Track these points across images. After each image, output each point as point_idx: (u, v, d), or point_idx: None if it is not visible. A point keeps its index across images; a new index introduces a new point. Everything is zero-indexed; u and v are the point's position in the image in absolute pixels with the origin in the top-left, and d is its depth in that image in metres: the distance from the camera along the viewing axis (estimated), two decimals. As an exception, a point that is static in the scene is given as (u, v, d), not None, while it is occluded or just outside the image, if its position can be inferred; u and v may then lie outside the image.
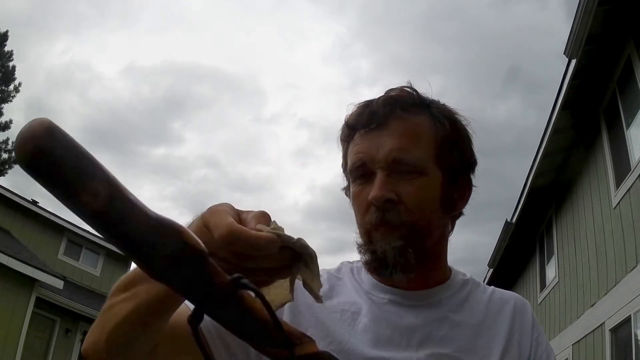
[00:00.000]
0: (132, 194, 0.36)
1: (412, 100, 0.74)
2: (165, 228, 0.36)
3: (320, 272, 0.77)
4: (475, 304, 0.78)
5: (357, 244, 0.76)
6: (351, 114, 0.76)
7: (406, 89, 0.77)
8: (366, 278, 0.79)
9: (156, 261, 0.36)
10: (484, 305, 0.79)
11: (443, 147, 0.74)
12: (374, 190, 0.70)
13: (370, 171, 0.72)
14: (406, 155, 0.71)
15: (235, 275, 0.38)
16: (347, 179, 0.79)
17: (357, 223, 0.76)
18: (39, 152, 0.32)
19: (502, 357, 0.72)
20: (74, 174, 0.33)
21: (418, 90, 0.77)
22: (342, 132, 0.78)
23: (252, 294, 0.39)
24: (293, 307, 0.70)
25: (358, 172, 0.73)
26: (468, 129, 0.78)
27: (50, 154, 0.32)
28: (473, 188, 0.79)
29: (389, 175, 0.70)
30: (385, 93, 0.77)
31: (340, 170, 0.81)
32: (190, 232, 0.37)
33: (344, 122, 0.77)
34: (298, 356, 0.43)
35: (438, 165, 0.73)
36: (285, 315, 0.70)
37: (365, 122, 0.73)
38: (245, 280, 0.38)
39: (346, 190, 0.80)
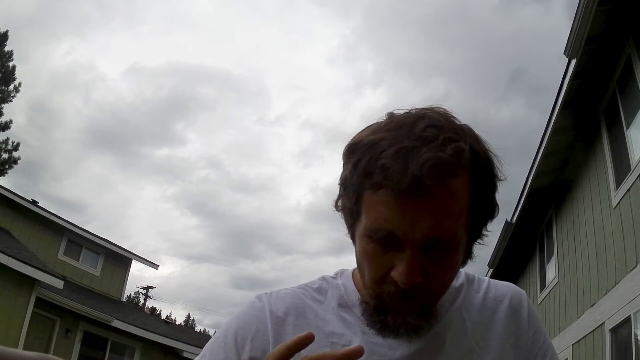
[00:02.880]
0: None
1: (461, 162, 0.61)
2: None
3: (299, 290, 0.77)
4: (468, 313, 0.74)
5: (363, 302, 0.70)
6: (380, 164, 0.60)
7: (454, 141, 0.61)
8: (353, 299, 0.75)
9: None
10: (478, 311, 0.75)
11: (475, 212, 0.65)
12: (404, 274, 0.61)
13: (397, 239, 0.62)
14: (445, 235, 0.62)
15: None
16: (347, 211, 0.69)
17: (365, 281, 0.68)
18: None
19: None
20: None
21: (456, 118, 0.66)
22: (361, 172, 0.63)
23: None
24: (277, 338, 0.70)
25: (378, 236, 0.63)
26: (499, 173, 0.67)
27: None
28: (486, 232, 0.71)
29: (420, 253, 0.62)
30: (424, 127, 0.62)
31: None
32: None
33: (365, 157, 0.63)
34: None
35: (466, 230, 0.65)
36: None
37: (405, 190, 0.59)
38: None
39: (344, 215, 0.70)
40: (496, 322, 0.74)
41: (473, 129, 0.67)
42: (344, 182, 0.67)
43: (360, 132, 0.67)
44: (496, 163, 0.67)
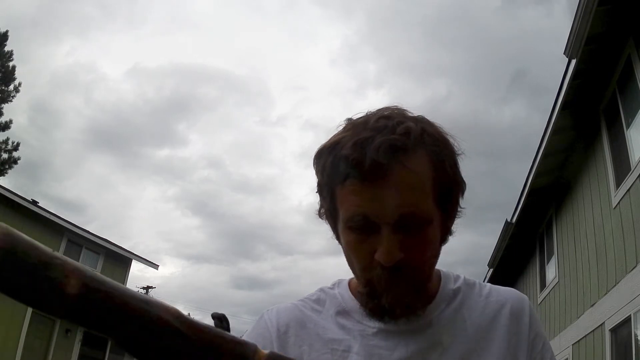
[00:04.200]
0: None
1: (412, 141, 0.66)
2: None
3: (299, 303, 0.80)
4: (469, 315, 0.76)
5: (359, 292, 0.74)
6: (342, 157, 0.66)
7: (403, 123, 0.67)
8: (351, 304, 0.77)
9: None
10: (479, 314, 0.76)
11: (442, 185, 0.69)
12: (384, 253, 0.66)
13: (373, 223, 0.66)
14: (414, 209, 0.66)
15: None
16: (327, 213, 0.73)
17: (356, 272, 0.72)
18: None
19: None
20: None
21: (408, 111, 0.71)
22: (330, 171, 0.69)
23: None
24: (282, 351, 0.72)
25: (357, 224, 0.67)
26: (457, 148, 0.72)
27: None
28: (460, 208, 0.75)
29: (396, 231, 0.66)
30: (377, 119, 0.68)
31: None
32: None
33: (329, 158, 0.68)
34: None
35: (437, 205, 0.69)
36: None
37: (366, 173, 0.64)
38: None
39: (327, 219, 0.75)
40: (498, 326, 0.75)
41: (426, 117, 0.73)
42: (319, 187, 0.72)
43: (320, 145, 0.73)
44: (452, 140, 0.71)
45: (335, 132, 0.72)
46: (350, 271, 0.82)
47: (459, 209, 0.74)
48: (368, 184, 0.65)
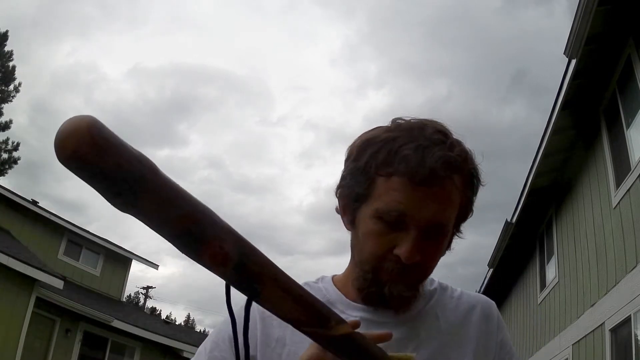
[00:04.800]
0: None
1: (464, 164, 0.74)
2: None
3: (304, 284, 0.84)
4: (442, 312, 0.83)
5: (359, 277, 0.78)
6: (400, 155, 0.70)
7: (458, 145, 0.74)
8: (335, 296, 0.82)
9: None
10: (452, 313, 0.83)
11: (463, 209, 0.77)
12: (408, 251, 0.71)
13: (403, 222, 0.71)
14: (445, 222, 0.73)
15: (255, 288, 0.45)
16: (354, 196, 0.76)
17: (365, 258, 0.76)
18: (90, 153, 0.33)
19: (466, 357, 0.79)
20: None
21: (454, 135, 0.76)
22: (380, 162, 0.72)
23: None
24: (264, 341, 0.77)
25: (390, 217, 0.71)
26: (482, 182, 0.79)
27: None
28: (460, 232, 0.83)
29: (422, 235, 0.71)
30: (434, 131, 0.73)
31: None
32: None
33: (383, 150, 0.72)
34: (332, 336, 0.50)
35: (455, 222, 0.77)
36: (258, 350, 0.76)
37: (421, 179, 0.69)
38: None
39: (347, 201, 0.78)
40: (468, 323, 0.83)
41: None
42: (355, 170, 0.75)
43: (369, 132, 0.77)
44: (480, 174, 0.78)
45: (381, 126, 0.77)
46: (337, 265, 0.89)
47: (460, 232, 0.82)
48: (417, 188, 0.70)
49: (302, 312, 0.49)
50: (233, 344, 0.76)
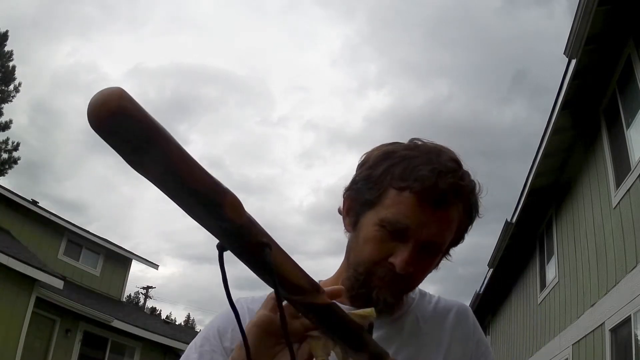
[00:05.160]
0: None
1: (469, 194, 0.80)
2: (217, 189, 0.43)
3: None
4: (421, 316, 0.89)
5: (350, 277, 0.81)
6: (416, 173, 0.76)
7: (468, 176, 0.81)
8: None
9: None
10: (430, 316, 0.90)
11: (457, 235, 0.83)
12: (403, 261, 0.76)
13: (405, 235, 0.76)
14: (442, 242, 0.79)
15: (264, 241, 0.48)
16: (362, 201, 0.81)
17: (360, 260, 0.80)
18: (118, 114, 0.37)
19: (444, 357, 0.85)
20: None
21: (465, 166, 0.82)
22: (396, 175, 0.77)
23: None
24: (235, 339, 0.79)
25: (393, 227, 0.77)
26: (479, 215, 0.85)
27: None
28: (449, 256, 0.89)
29: (418, 250, 0.77)
30: (449, 159, 0.79)
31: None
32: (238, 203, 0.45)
33: (400, 165, 0.78)
34: (318, 304, 0.53)
35: (448, 245, 0.83)
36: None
37: (431, 200, 0.75)
38: (269, 251, 0.48)
39: (355, 205, 0.82)
40: (445, 325, 0.89)
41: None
42: (369, 177, 0.80)
43: (388, 145, 0.84)
44: (480, 203, 0.84)
45: (400, 143, 0.84)
46: (338, 265, 0.90)
47: (449, 255, 0.88)
48: (425, 206, 0.76)
49: (299, 276, 0.52)
50: (221, 335, 0.82)
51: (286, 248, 0.55)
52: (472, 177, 0.81)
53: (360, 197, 0.81)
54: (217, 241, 0.48)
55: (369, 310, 0.62)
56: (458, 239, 0.84)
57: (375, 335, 0.76)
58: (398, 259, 0.76)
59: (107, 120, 0.37)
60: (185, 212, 0.44)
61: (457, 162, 0.80)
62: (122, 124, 0.37)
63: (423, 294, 0.94)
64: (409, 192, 0.76)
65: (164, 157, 0.39)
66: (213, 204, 0.43)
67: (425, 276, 0.83)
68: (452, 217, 0.78)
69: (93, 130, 0.38)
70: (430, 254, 0.79)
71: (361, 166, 0.83)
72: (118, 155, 0.40)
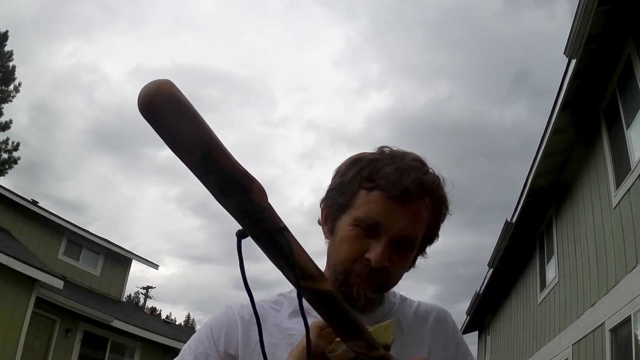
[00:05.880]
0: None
1: (434, 188, 0.85)
2: (246, 176, 0.48)
3: (259, 302, 0.91)
4: (403, 318, 0.93)
5: (333, 278, 0.84)
6: (382, 173, 0.82)
7: (432, 173, 0.86)
8: (308, 306, 0.87)
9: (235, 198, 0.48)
10: (411, 318, 0.94)
11: (430, 230, 0.87)
12: (378, 255, 0.80)
13: (377, 231, 0.81)
14: (412, 235, 0.83)
15: (282, 226, 0.52)
16: (336, 206, 0.86)
17: (338, 260, 0.84)
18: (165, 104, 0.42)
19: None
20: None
21: (431, 167, 0.88)
22: (364, 177, 0.83)
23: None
24: (245, 342, 0.85)
25: (365, 225, 0.82)
26: (449, 212, 0.90)
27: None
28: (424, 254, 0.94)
29: (391, 244, 0.81)
30: (412, 159, 0.85)
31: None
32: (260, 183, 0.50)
33: (367, 167, 0.84)
34: (324, 290, 0.57)
35: (421, 241, 0.87)
36: (239, 349, 0.85)
37: (397, 195, 0.80)
38: (287, 234, 0.53)
39: (330, 211, 0.88)
40: (426, 328, 0.94)
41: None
42: (341, 184, 0.86)
43: (356, 154, 0.89)
44: (450, 203, 0.89)
45: (367, 152, 0.89)
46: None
47: (425, 253, 0.93)
48: (392, 201, 0.81)
49: (308, 262, 0.56)
50: (214, 339, 0.86)
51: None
52: (437, 174, 0.87)
53: (334, 204, 0.87)
54: (238, 228, 0.52)
55: (388, 324, 0.67)
56: (431, 234, 0.89)
57: None
58: (372, 254, 0.80)
59: (162, 105, 0.41)
60: (215, 194, 0.48)
61: (420, 162, 0.86)
62: (171, 111, 0.42)
63: (404, 299, 0.98)
64: (376, 191, 0.81)
65: (205, 142, 0.44)
66: (242, 188, 0.47)
67: (402, 272, 0.87)
68: (420, 211, 0.83)
69: (144, 116, 0.42)
70: (404, 249, 0.83)
71: (334, 177, 0.89)
72: (159, 138, 0.44)
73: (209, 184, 0.47)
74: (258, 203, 0.49)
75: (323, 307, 0.59)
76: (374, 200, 0.82)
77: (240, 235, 0.51)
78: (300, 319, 0.83)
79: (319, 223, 0.92)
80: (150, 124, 0.42)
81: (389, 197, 0.80)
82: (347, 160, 0.89)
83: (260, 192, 0.49)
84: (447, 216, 0.90)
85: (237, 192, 0.47)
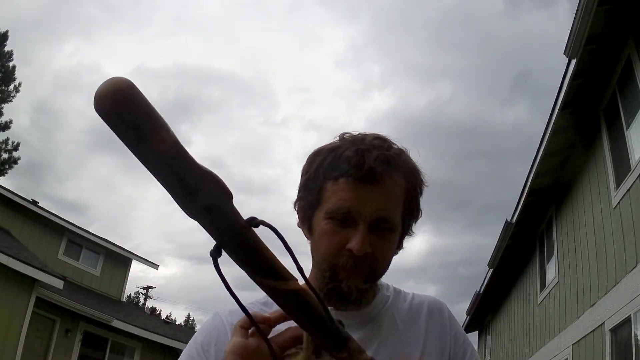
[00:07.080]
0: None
1: (400, 162, 0.81)
2: (207, 175, 0.45)
3: (248, 305, 0.88)
4: (397, 313, 0.90)
5: (319, 276, 0.82)
6: (343, 158, 0.79)
7: (395, 147, 0.83)
8: None
9: (196, 200, 0.46)
10: (405, 312, 0.91)
11: (408, 206, 0.84)
12: (358, 243, 0.77)
13: (352, 219, 0.78)
14: (389, 215, 0.80)
15: (250, 217, 0.49)
16: (307, 204, 0.84)
17: (321, 257, 0.82)
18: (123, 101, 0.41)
19: (422, 353, 0.86)
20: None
21: (394, 142, 0.84)
22: (326, 167, 0.81)
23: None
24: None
25: (339, 216, 0.79)
26: (425, 183, 0.87)
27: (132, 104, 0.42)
28: (412, 232, 0.90)
29: (369, 229, 0.78)
30: (373, 138, 0.82)
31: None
32: (224, 181, 0.47)
33: (328, 157, 0.81)
34: (289, 290, 0.53)
35: (401, 219, 0.84)
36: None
37: (361, 176, 0.78)
38: (258, 220, 0.49)
39: (304, 211, 0.85)
40: (420, 321, 0.91)
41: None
42: (307, 181, 0.84)
43: (317, 148, 0.86)
44: (423, 176, 0.86)
45: (332, 141, 0.86)
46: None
47: (411, 232, 0.89)
48: (360, 185, 0.78)
49: (274, 261, 0.53)
50: (204, 351, 0.83)
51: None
52: (401, 147, 0.84)
53: (306, 203, 0.84)
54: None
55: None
56: (411, 210, 0.85)
57: (355, 336, 0.76)
58: (353, 243, 0.78)
59: (120, 101, 0.41)
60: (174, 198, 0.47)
61: (381, 139, 0.83)
62: (128, 108, 0.41)
63: (398, 292, 0.95)
64: (342, 178, 0.79)
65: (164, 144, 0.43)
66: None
67: (389, 256, 0.84)
68: (390, 188, 0.80)
69: (98, 113, 0.42)
70: (384, 231, 0.80)
71: (301, 175, 0.87)
72: (120, 141, 0.44)
73: (166, 184, 0.46)
74: (223, 196, 0.47)
75: (288, 308, 0.56)
76: (341, 189, 0.79)
77: (216, 252, 0.49)
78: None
79: (298, 225, 0.89)
80: (107, 119, 0.43)
81: (355, 181, 0.78)
82: (309, 155, 0.86)
83: (219, 184, 0.47)
84: (424, 188, 0.87)
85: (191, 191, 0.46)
